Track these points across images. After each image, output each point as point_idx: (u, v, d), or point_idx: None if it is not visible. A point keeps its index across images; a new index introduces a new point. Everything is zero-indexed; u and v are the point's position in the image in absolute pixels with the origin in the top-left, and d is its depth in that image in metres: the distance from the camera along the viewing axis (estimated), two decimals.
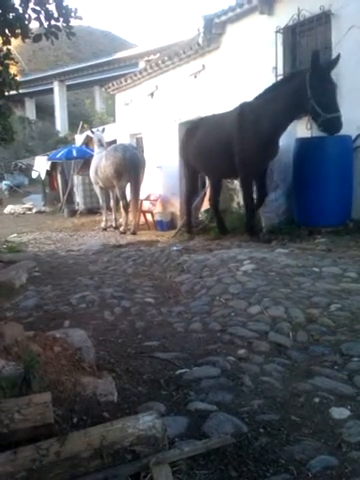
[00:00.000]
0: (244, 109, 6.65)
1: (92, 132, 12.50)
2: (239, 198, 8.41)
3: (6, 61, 4.69)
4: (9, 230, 12.09)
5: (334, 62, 5.94)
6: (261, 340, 2.84)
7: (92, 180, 11.67)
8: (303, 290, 3.62)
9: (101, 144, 11.40)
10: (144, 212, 11.23)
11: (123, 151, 10.02)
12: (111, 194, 11.42)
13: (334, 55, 6.86)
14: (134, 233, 9.96)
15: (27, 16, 3.90)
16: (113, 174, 10.08)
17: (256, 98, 6.60)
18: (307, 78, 5.81)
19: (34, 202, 19.64)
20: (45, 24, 3.90)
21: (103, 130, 12.47)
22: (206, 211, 8.77)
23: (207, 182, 9.24)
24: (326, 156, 6.24)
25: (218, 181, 8.07)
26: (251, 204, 6.82)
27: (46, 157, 19.39)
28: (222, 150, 6.87)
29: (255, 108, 6.47)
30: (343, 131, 6.73)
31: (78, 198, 15.76)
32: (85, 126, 23.57)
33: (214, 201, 8.02)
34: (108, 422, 1.74)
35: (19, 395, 1.90)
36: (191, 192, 8.43)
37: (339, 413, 2.01)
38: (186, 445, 1.74)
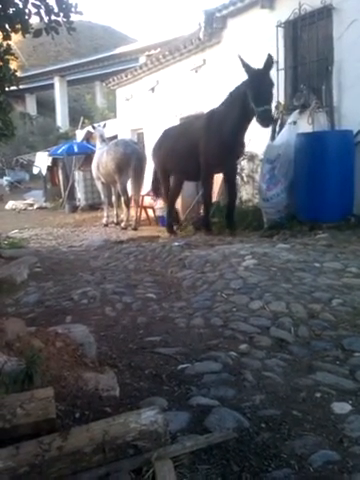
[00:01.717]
0: (211, 115, 7.14)
1: (94, 128, 12.48)
2: (240, 193, 8.41)
3: (6, 56, 4.68)
4: (10, 226, 12.09)
5: (268, 63, 6.26)
6: (263, 335, 2.84)
7: (94, 175, 11.66)
8: (304, 285, 3.62)
9: (103, 140, 11.38)
10: (145, 208, 11.22)
11: (124, 146, 10.00)
12: (113, 190, 11.41)
13: (336, 49, 6.85)
14: (135, 229, 9.96)
15: (27, 11, 3.89)
16: (114, 169, 10.08)
17: (221, 104, 7.00)
18: (247, 81, 6.30)
19: (35, 198, 19.64)
20: (45, 19, 3.89)
21: (104, 125, 12.44)
22: None
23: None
24: (327, 151, 6.23)
25: (182, 182, 8.57)
26: (210, 201, 7.51)
27: (47, 153, 19.36)
28: (192, 152, 7.27)
29: (219, 114, 6.93)
30: (345, 126, 6.73)
31: (79, 194, 15.75)
32: (86, 121, 23.55)
33: (172, 198, 8.56)
34: (110, 417, 1.75)
35: (21, 390, 1.91)
36: (173, 192, 8.61)
37: (340, 408, 2.01)
38: (188, 440, 1.74)
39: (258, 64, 6.16)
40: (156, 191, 9.19)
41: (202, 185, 7.72)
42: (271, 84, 6.34)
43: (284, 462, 1.66)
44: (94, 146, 13.76)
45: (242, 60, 6.28)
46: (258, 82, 6.17)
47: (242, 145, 7.02)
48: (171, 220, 8.62)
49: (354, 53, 6.52)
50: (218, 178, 8.74)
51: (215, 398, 2.10)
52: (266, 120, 6.15)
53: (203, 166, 7.17)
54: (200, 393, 2.16)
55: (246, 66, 6.29)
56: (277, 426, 1.88)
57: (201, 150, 7.11)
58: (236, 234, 6.83)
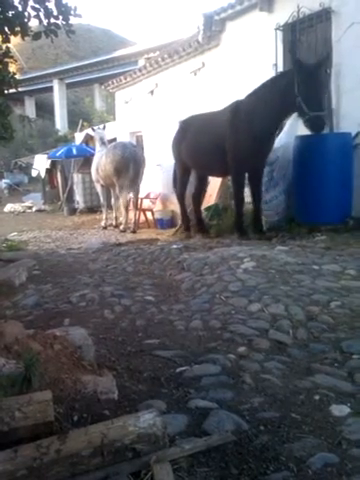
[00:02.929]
0: (237, 107, 6.68)
1: (93, 130, 12.49)
2: None
3: (5, 59, 4.70)
4: (9, 229, 12.10)
5: (323, 61, 6.00)
6: (261, 338, 2.84)
7: (93, 178, 11.68)
8: (303, 288, 3.62)
9: (103, 142, 11.38)
10: (144, 210, 11.23)
11: (122, 149, 10.01)
12: (112, 192, 11.42)
13: (334, 52, 6.87)
14: (134, 231, 9.97)
15: (27, 14, 3.90)
16: (113, 172, 10.09)
17: (248, 96, 6.61)
18: (295, 76, 5.87)
19: (34, 201, 19.65)
20: (45, 22, 3.90)
21: (104, 128, 12.45)
22: (207, 209, 8.76)
23: (210, 179, 9.20)
24: (326, 153, 6.23)
25: (205, 178, 8.24)
26: (241, 202, 6.85)
27: (46, 155, 19.39)
28: (215, 147, 6.91)
29: (247, 106, 6.51)
30: (343, 128, 6.74)
31: (78, 196, 15.76)
32: (85, 124, 23.57)
33: (196, 197, 8.14)
34: (109, 420, 1.74)
35: (20, 393, 1.90)
36: (183, 189, 8.28)
37: (339, 410, 2.02)
38: (187, 443, 1.74)
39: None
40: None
41: (232, 184, 7.14)
42: (326, 85, 5.95)
43: (283, 465, 1.66)
44: (93, 149, 13.77)
45: (293, 53, 5.90)
46: (316, 82, 5.77)
47: (273, 142, 6.59)
48: (187, 216, 8.30)
49: (353, 56, 6.54)
50: (218, 178, 8.78)
51: (214, 401, 2.10)
52: (318, 127, 5.85)
53: (232, 164, 6.74)
54: (199, 396, 2.16)
55: (297, 61, 5.91)
56: (276, 429, 1.88)
57: (228, 146, 6.69)
58: (263, 237, 6.41)
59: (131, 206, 10.48)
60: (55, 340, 2.43)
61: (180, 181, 8.22)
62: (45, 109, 48.66)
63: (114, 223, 11.20)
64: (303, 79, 5.76)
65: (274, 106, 6.10)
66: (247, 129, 6.40)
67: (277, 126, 6.46)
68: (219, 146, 6.79)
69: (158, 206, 11.12)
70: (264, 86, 6.36)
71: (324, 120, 5.91)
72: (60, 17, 3.89)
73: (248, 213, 7.36)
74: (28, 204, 19.13)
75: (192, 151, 7.61)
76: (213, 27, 9.03)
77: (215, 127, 7.00)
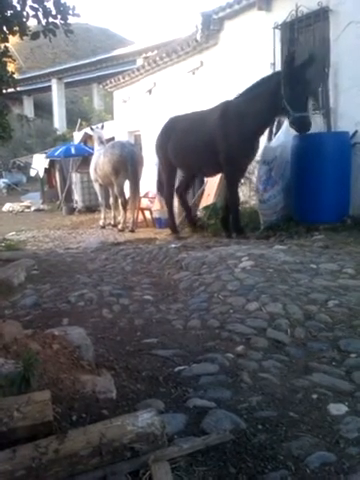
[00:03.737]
0: (227, 107, 6.72)
1: (92, 129, 12.48)
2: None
3: (4, 59, 4.70)
4: (7, 228, 12.09)
5: (308, 62, 6.03)
6: (259, 337, 2.85)
7: (92, 177, 11.66)
8: (301, 286, 3.63)
9: (101, 141, 11.37)
10: (142, 209, 11.22)
11: (120, 148, 10.01)
12: (110, 191, 11.42)
13: (332, 51, 6.88)
14: (132, 231, 9.97)
15: (25, 13, 3.91)
16: (111, 171, 10.09)
17: (238, 97, 6.64)
18: (281, 78, 5.93)
19: (32, 200, 19.63)
20: (43, 21, 3.91)
21: (102, 127, 12.44)
22: (205, 208, 8.77)
23: (205, 179, 9.22)
24: (324, 153, 6.24)
25: (193, 176, 8.33)
26: (238, 201, 6.94)
27: (44, 155, 19.37)
28: (204, 147, 6.92)
29: (237, 107, 6.55)
30: (341, 127, 6.76)
31: (76, 196, 15.75)
32: (83, 123, 23.55)
33: (181, 193, 8.21)
34: (107, 420, 1.75)
35: (18, 393, 1.91)
36: (171, 189, 8.29)
37: (337, 409, 2.02)
38: (185, 442, 1.75)
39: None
40: (161, 189, 8.73)
41: (227, 184, 7.17)
42: (309, 86, 6.04)
43: (281, 463, 1.67)
44: (91, 148, 13.76)
45: (290, 56, 5.87)
46: (300, 84, 5.83)
47: (258, 143, 6.68)
48: (174, 218, 8.35)
49: (350, 55, 6.55)
50: (216, 178, 8.78)
51: (212, 400, 2.10)
52: (303, 128, 5.95)
53: (225, 164, 6.74)
54: (197, 395, 2.16)
55: (290, 64, 5.87)
56: (274, 427, 1.89)
57: (221, 147, 6.66)
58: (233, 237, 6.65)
59: (129, 205, 10.47)
60: (54, 340, 2.44)
61: (167, 182, 8.20)
62: (43, 108, 48.56)
63: (112, 222, 11.20)
64: (287, 80, 5.84)
65: (263, 107, 6.16)
66: (239, 129, 6.44)
67: (266, 127, 6.53)
68: (208, 146, 6.82)
69: (156, 205, 11.10)
70: (254, 87, 6.41)
71: (309, 120, 5.99)
72: (58, 16, 3.90)
73: (245, 212, 7.41)
74: (26, 203, 19.11)
75: (179, 151, 7.60)
76: (211, 26, 9.04)
77: (205, 127, 7.00)
